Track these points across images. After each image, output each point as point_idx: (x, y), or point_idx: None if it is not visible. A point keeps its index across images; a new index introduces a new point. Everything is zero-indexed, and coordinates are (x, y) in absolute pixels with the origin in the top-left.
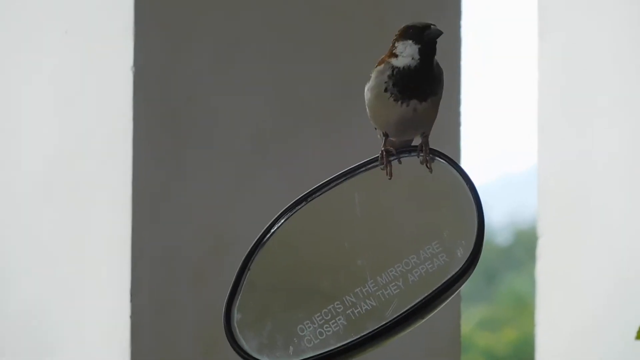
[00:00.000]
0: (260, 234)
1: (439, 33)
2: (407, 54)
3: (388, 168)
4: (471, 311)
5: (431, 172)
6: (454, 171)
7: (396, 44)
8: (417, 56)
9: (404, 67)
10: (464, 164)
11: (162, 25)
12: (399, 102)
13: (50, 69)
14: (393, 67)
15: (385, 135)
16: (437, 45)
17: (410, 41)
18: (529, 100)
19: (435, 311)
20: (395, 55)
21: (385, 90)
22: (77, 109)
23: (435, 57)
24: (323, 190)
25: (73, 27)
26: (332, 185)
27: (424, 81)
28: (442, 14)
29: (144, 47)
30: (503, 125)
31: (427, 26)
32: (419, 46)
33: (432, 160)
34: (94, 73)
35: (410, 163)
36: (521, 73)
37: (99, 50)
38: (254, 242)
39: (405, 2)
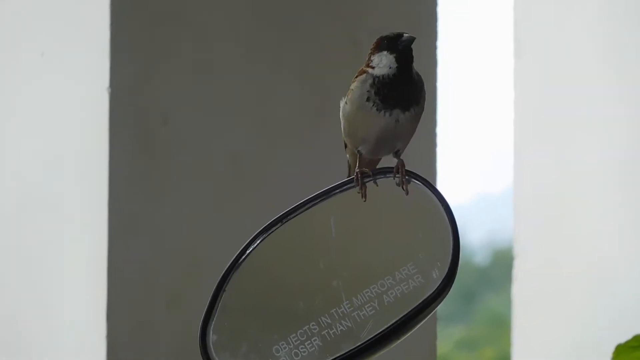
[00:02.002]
0: (236, 255)
1: (412, 39)
2: (383, 64)
3: (363, 189)
4: (449, 331)
5: (407, 194)
6: (430, 193)
7: (372, 57)
8: (394, 64)
9: (383, 76)
10: (440, 184)
11: (138, 46)
12: (382, 112)
13: (26, 91)
14: (373, 77)
15: (359, 154)
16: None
17: (385, 52)
18: (506, 119)
19: (411, 332)
20: (372, 67)
21: (368, 99)
22: (54, 130)
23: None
24: (299, 211)
25: (49, 49)
26: (307, 206)
27: (405, 89)
28: (418, 34)
29: (120, 67)
30: (481, 144)
31: (399, 35)
32: (395, 55)
33: (408, 182)
34: (70, 94)
35: (386, 184)
36: (497, 92)
37: (75, 71)
38: (229, 263)
39: (380, 22)
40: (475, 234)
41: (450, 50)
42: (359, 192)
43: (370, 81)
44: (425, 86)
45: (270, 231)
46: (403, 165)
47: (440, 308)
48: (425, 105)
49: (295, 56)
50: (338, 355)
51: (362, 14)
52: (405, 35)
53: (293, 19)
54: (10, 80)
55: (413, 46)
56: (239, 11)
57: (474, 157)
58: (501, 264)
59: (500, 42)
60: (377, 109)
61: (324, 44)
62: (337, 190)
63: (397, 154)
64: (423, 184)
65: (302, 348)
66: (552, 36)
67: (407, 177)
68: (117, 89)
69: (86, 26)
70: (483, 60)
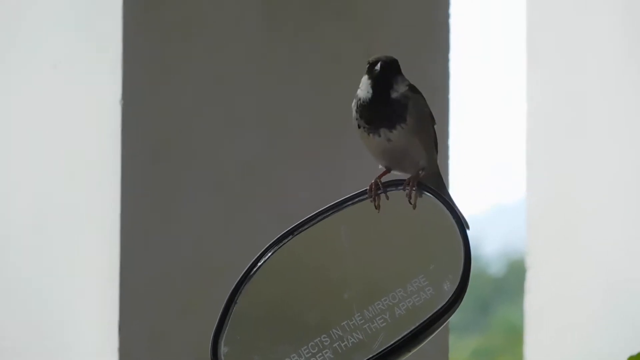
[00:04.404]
0: (248, 267)
1: (381, 71)
2: (363, 87)
3: (376, 200)
4: (464, 341)
5: (414, 208)
6: (441, 205)
7: (362, 77)
8: (370, 90)
9: (362, 99)
10: (453, 196)
11: (150, 58)
12: (371, 135)
13: (38, 102)
14: (357, 100)
15: (387, 169)
16: (425, 78)
17: (366, 75)
18: (519, 130)
19: (422, 344)
20: (359, 88)
21: (359, 126)
22: (66, 141)
23: (421, 87)
24: (310, 223)
25: (62, 60)
26: (319, 218)
27: (383, 110)
28: (431, 45)
29: (133, 79)
30: (496, 155)
31: (376, 62)
32: (371, 80)
33: (420, 194)
34: (82, 106)
35: (398, 197)
36: (510, 103)
37: (87, 83)
38: (241, 275)
39: (393, 33)
40: (490, 244)
41: (463, 61)
42: (371, 202)
43: (355, 107)
44: (424, 100)
45: (281, 243)
46: (415, 178)
47: (456, 318)
48: (435, 119)
49: (308, 67)
50: None
51: (375, 25)
52: (377, 65)
53: (306, 29)
54: (22, 92)
55: (424, 58)
56: (252, 21)
57: (490, 167)
58: (516, 275)
59: (513, 53)
60: (367, 133)
61: (337, 55)
62: (349, 202)
63: (423, 170)
64: (434, 196)
65: None
66: (565, 46)
67: (415, 190)
68: (130, 101)
69: (98, 38)
70: (496, 71)
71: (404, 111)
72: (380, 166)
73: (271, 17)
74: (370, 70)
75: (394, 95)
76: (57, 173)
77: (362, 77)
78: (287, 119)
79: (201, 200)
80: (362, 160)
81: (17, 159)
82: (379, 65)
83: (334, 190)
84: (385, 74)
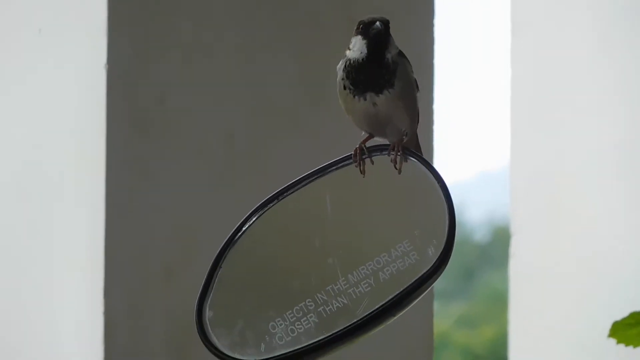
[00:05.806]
0: (232, 232)
1: (380, 30)
2: (356, 48)
3: (361, 165)
4: (449, 309)
5: (399, 173)
6: (426, 170)
7: (352, 39)
8: (364, 50)
9: (353, 60)
10: (438, 162)
11: (135, 23)
12: (357, 98)
13: (23, 67)
14: (346, 60)
15: (370, 134)
16: (410, 44)
17: (360, 36)
18: (503, 97)
19: (407, 309)
20: (349, 49)
21: (344, 87)
22: (50, 107)
23: (405, 53)
24: (295, 188)
25: (47, 25)
26: (303, 183)
27: (374, 73)
28: (415, 12)
29: (118, 44)
30: (480, 122)
31: (373, 21)
32: (366, 41)
33: (405, 159)
34: (67, 71)
35: (383, 162)
36: (495, 69)
37: (72, 48)
38: (225, 240)
39: (376, 0)
40: (475, 211)
41: (447, 29)
42: (356, 167)
43: (342, 67)
44: (410, 66)
45: (266, 208)
46: (399, 143)
47: (441, 285)
48: (419, 86)
49: (292, 36)
50: (334, 331)
51: None
52: (376, 24)
53: None
54: (7, 57)
55: (408, 25)
56: None
57: (476, 134)
58: (501, 241)
59: (497, 21)
60: (352, 96)
61: (320, 23)
62: (333, 168)
63: (406, 135)
64: (419, 161)
65: (298, 325)
66: (549, 15)
67: (400, 155)
68: (115, 67)
69: (83, 2)
70: (481, 37)
71: (392, 76)
72: (362, 133)
73: None
74: (364, 31)
75: (388, 56)
76: (40, 139)
77: (352, 39)
78: (270, 88)
79: (185, 168)
80: (344, 130)
81: (0, 125)
82: (378, 23)
83: (317, 162)
84: (384, 33)
